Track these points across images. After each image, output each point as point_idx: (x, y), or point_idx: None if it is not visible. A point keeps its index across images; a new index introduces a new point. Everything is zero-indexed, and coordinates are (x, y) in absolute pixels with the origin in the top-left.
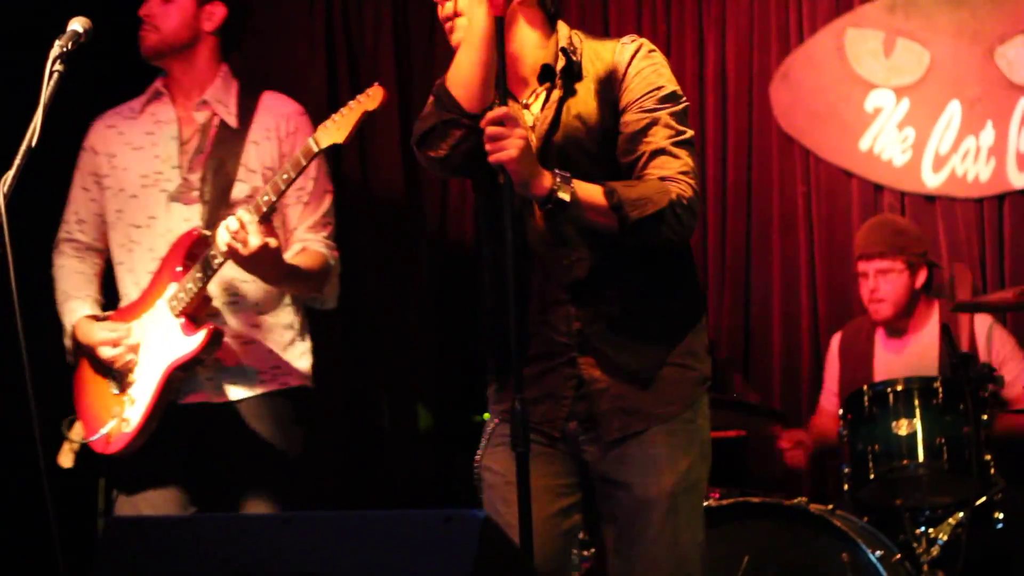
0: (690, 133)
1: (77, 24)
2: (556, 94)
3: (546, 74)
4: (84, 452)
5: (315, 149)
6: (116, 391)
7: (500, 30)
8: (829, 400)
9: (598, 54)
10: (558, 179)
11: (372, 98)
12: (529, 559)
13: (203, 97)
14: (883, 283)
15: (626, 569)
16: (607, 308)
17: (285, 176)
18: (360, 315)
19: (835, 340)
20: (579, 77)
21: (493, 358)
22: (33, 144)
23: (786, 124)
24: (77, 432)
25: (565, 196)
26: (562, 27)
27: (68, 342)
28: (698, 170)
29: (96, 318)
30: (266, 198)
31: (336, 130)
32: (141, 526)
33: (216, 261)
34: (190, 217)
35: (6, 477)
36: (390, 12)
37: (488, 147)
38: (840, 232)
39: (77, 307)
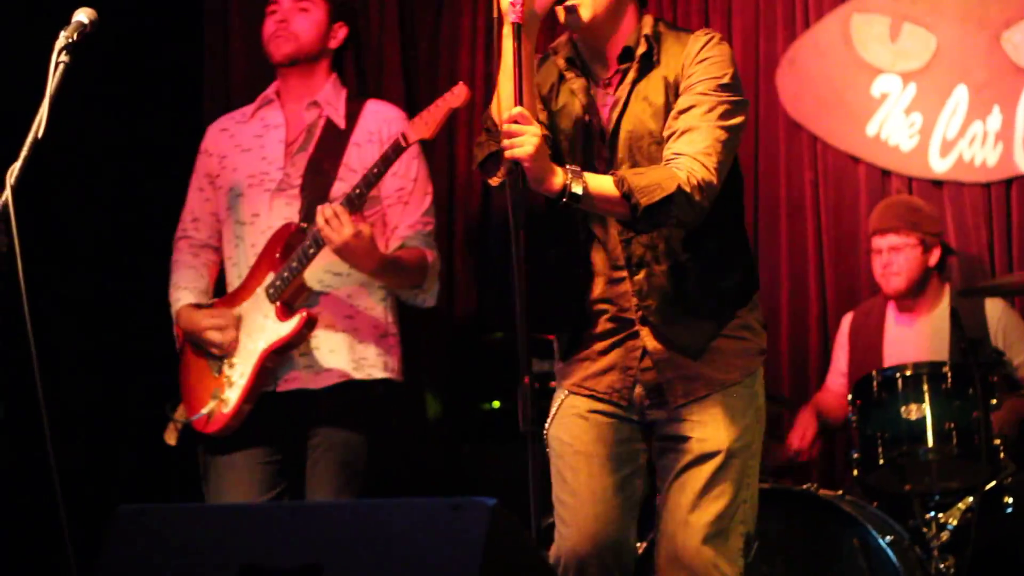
0: (734, 121)
1: (82, 15)
2: (631, 76)
3: (626, 55)
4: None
5: (404, 144)
6: (216, 373)
7: (518, 37)
8: (836, 380)
9: (674, 44)
10: (570, 174)
11: (457, 96)
12: (539, 547)
13: (314, 99)
14: (896, 258)
15: (674, 515)
16: (660, 283)
17: (375, 170)
18: None
19: (846, 320)
20: (656, 63)
21: (561, 335)
22: (40, 136)
23: (793, 110)
24: (181, 412)
25: (577, 189)
26: (647, 16)
27: (176, 329)
28: (726, 156)
29: (199, 306)
30: (358, 191)
31: (423, 126)
32: (149, 515)
33: (311, 251)
34: (290, 215)
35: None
36: (395, 4)
37: (504, 143)
38: (848, 218)
39: (183, 296)
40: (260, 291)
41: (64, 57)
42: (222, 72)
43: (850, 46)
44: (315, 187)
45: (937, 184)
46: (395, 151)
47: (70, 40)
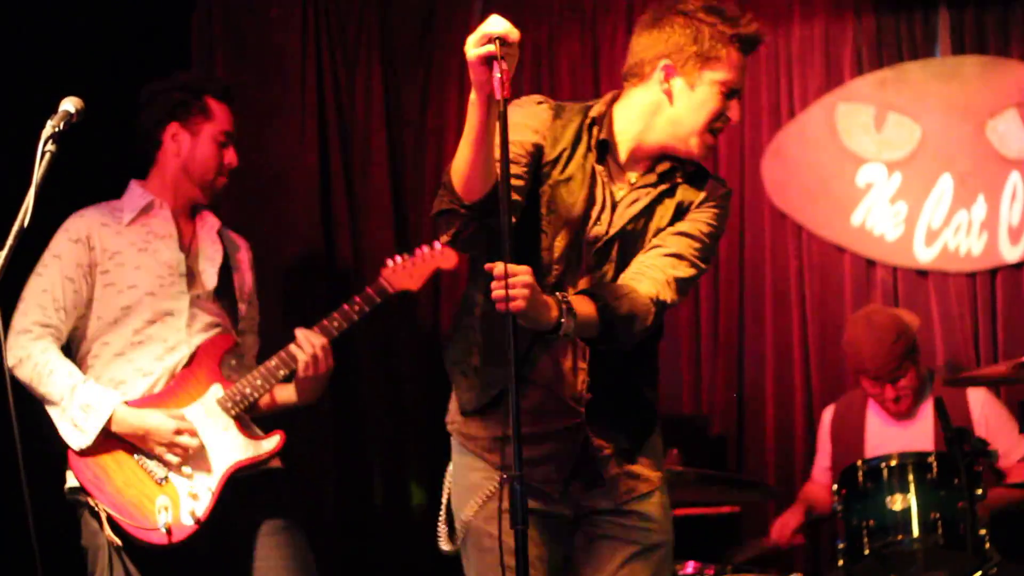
0: (706, 268)
1: (69, 104)
2: (655, 190)
3: (666, 176)
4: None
5: (389, 291)
6: (159, 480)
7: (504, 114)
8: (821, 474)
9: (694, 177)
10: (563, 310)
11: (447, 258)
12: None
13: (200, 208)
14: (903, 384)
15: None
16: (614, 379)
17: (357, 308)
18: (351, 392)
19: (827, 414)
20: (673, 192)
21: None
22: (25, 224)
23: (778, 200)
24: (102, 509)
25: (570, 327)
26: None
27: (94, 423)
28: (695, 284)
29: (135, 404)
30: (336, 324)
31: (408, 277)
32: None
33: (281, 372)
34: (209, 320)
35: None
36: (381, 88)
37: (496, 293)
38: (833, 307)
39: (106, 394)
40: (209, 401)
41: (50, 146)
42: None
43: (835, 135)
44: (228, 292)
45: (922, 273)
46: (380, 296)
47: (56, 129)
